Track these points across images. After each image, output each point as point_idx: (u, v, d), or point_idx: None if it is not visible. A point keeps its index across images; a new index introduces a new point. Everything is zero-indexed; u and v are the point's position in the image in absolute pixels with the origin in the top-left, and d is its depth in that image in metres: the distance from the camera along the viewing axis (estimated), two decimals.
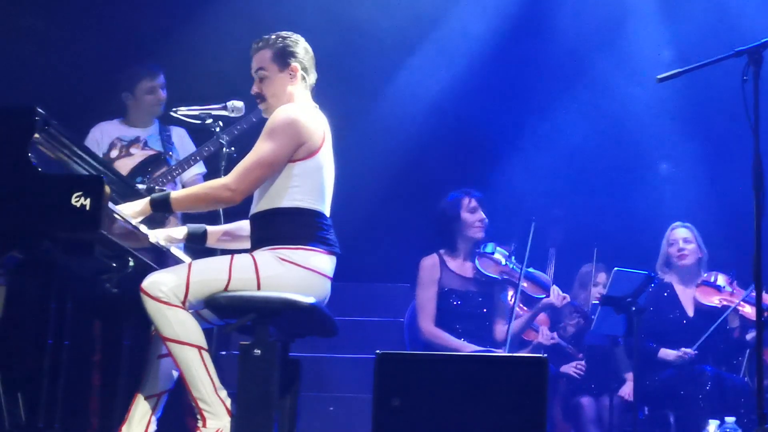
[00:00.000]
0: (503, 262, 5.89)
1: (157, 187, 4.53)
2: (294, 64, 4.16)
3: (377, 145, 7.10)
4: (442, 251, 5.94)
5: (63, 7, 6.82)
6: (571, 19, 7.21)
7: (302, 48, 4.20)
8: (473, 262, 5.88)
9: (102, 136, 5.73)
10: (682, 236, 6.25)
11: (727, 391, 5.84)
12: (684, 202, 7.17)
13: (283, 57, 4.16)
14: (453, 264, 5.91)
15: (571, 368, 6.14)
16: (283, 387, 4.01)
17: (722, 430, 4.88)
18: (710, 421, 4.98)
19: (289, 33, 4.23)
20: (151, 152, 5.65)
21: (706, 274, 6.21)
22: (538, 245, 6.10)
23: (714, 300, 6.11)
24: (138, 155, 5.63)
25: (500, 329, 5.86)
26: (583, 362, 6.15)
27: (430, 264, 5.90)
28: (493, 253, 5.92)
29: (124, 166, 5.47)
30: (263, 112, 4.21)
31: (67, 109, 5.46)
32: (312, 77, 4.24)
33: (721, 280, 6.16)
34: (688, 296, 6.20)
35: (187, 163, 5.56)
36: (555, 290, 5.94)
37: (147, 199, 4.01)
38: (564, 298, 5.96)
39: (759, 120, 3.99)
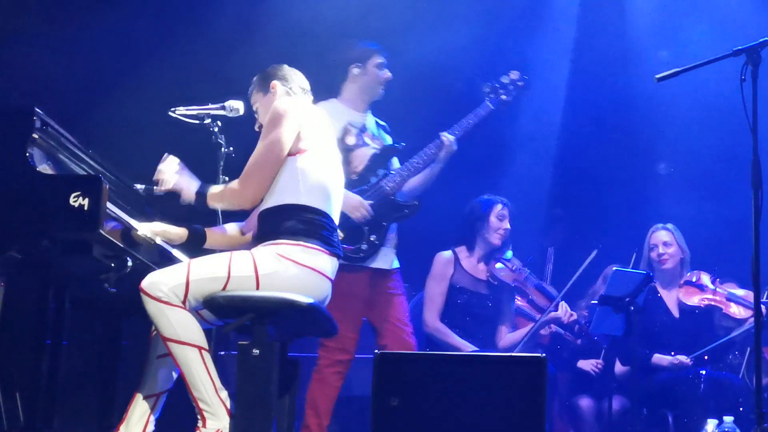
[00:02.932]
0: (516, 272, 5.96)
1: (155, 188, 4.50)
2: (273, 81, 4.32)
3: None
4: (458, 249, 5.98)
5: (63, 8, 6.81)
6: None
7: (277, 68, 4.37)
8: (487, 265, 5.93)
9: (332, 117, 5.29)
10: (662, 240, 6.23)
11: (725, 391, 5.85)
12: (678, 200, 7.17)
13: (264, 82, 4.35)
14: (467, 263, 5.96)
15: (590, 365, 6.14)
16: (282, 387, 4.01)
17: (721, 429, 4.88)
18: (709, 420, 4.98)
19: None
20: (380, 143, 5.34)
21: (689, 274, 6.21)
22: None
23: (697, 300, 6.11)
24: (372, 145, 5.33)
25: (504, 335, 5.90)
26: (600, 360, 6.13)
27: (444, 260, 5.96)
28: (510, 260, 5.99)
29: (361, 155, 5.25)
30: None
31: (66, 109, 5.46)
32: (296, 83, 4.33)
33: (704, 279, 6.16)
34: (671, 298, 6.20)
35: (415, 166, 5.30)
36: (563, 306, 6.00)
37: (196, 187, 4.18)
38: (571, 315, 6.02)
39: (757, 120, 4.00)
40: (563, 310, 5.99)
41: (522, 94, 5.53)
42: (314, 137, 4.08)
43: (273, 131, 4.04)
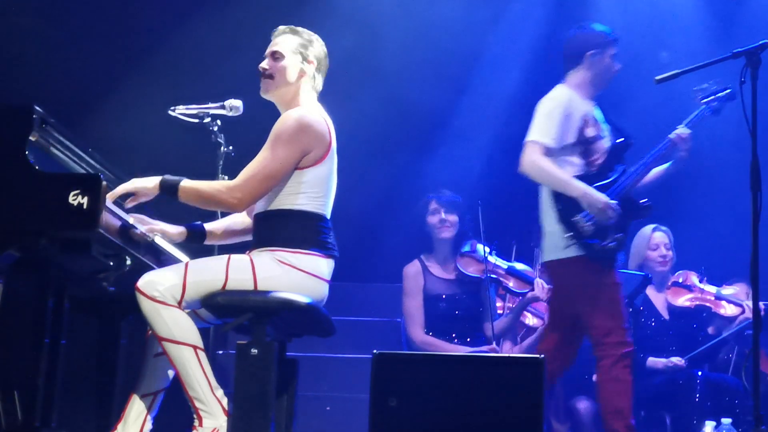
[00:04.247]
0: (485, 259, 5.85)
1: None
2: (312, 59, 4.15)
3: (376, 144, 7.10)
4: (423, 256, 5.95)
5: (63, 7, 6.82)
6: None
7: (324, 52, 4.21)
8: (454, 263, 5.88)
9: (572, 106, 4.97)
10: (663, 241, 6.21)
11: (722, 393, 5.85)
12: (677, 202, 7.16)
13: (306, 49, 4.15)
14: (435, 268, 5.91)
15: None
16: (280, 386, 4.01)
17: (719, 431, 4.88)
18: (706, 422, 4.98)
19: (317, 36, 4.23)
20: (611, 137, 5.06)
21: (676, 274, 6.21)
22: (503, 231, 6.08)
23: (686, 300, 6.11)
24: (607, 138, 5.02)
25: (490, 327, 5.85)
26: None
27: (413, 272, 5.91)
28: (472, 252, 5.90)
29: (600, 148, 4.98)
30: (261, 89, 4.15)
31: (66, 108, 5.46)
32: (320, 82, 4.21)
33: (692, 279, 6.16)
34: (660, 300, 6.19)
35: (648, 165, 5.02)
36: (539, 283, 5.91)
37: (159, 178, 3.96)
38: (549, 290, 5.95)
39: (756, 122, 4.00)
40: (539, 287, 5.92)
41: (728, 104, 5.12)
42: (322, 151, 4.02)
43: (282, 149, 3.94)
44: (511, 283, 5.94)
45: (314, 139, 3.99)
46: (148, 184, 3.95)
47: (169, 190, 3.95)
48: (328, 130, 4.07)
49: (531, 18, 7.35)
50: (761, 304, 5.54)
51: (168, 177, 3.97)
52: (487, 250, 5.87)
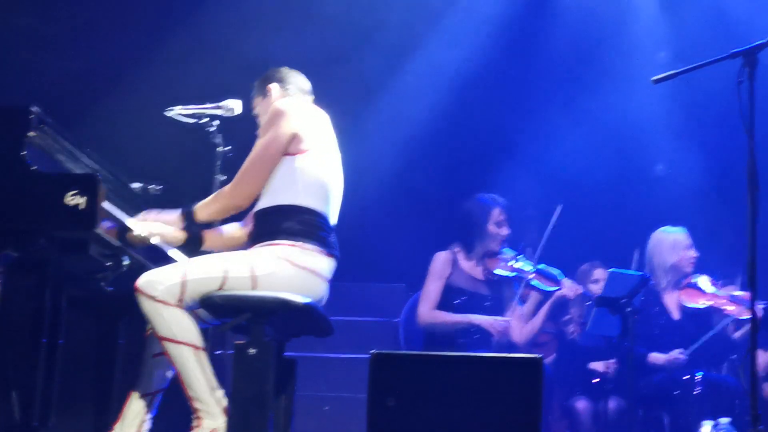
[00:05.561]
0: (511, 262, 5.86)
1: (150, 186, 4.49)
2: (269, 85, 4.32)
3: (375, 144, 7.10)
4: (457, 249, 5.93)
5: (62, 7, 6.82)
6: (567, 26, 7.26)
7: (276, 71, 4.37)
8: (484, 266, 5.87)
9: None
10: (690, 242, 6.22)
11: (721, 393, 5.85)
12: (675, 202, 7.17)
13: (262, 85, 4.35)
14: (465, 264, 5.91)
15: (602, 365, 6.04)
16: (279, 386, 4.01)
17: (717, 430, 4.88)
18: (704, 422, 4.98)
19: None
20: None
21: (689, 276, 6.21)
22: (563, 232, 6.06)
23: (699, 302, 6.11)
24: None
25: (516, 329, 5.83)
26: (614, 360, 6.03)
27: (443, 259, 5.90)
28: (502, 253, 5.91)
29: None
30: None
31: (64, 108, 5.45)
32: (294, 85, 4.31)
33: (705, 281, 6.16)
34: (672, 299, 6.19)
35: None
36: (567, 282, 5.92)
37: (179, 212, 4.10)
38: (577, 289, 5.94)
39: (754, 122, 4.00)
40: (568, 286, 5.92)
41: None
42: (313, 138, 4.08)
43: (270, 130, 4.04)
44: (538, 283, 5.92)
45: (293, 122, 4.04)
46: (169, 228, 4.07)
47: (190, 217, 4.09)
48: (317, 119, 4.15)
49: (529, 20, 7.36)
50: (760, 305, 5.57)
51: (184, 210, 4.11)
52: (514, 253, 5.89)
